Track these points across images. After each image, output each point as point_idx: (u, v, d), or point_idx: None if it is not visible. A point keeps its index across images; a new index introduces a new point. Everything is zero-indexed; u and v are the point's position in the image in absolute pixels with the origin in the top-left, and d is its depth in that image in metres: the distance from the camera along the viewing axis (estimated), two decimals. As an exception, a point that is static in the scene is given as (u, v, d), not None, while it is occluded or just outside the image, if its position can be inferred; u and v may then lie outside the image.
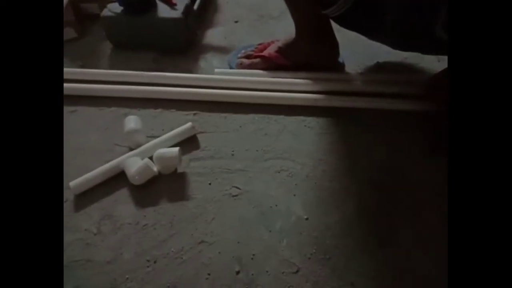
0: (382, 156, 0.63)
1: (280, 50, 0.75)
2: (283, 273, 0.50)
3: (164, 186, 0.60)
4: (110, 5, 0.82)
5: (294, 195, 0.58)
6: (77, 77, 0.77)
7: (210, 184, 0.60)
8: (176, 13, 0.79)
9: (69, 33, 0.88)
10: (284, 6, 0.71)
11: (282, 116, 0.69)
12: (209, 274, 0.50)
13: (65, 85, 0.74)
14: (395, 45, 0.69)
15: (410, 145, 0.64)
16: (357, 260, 0.51)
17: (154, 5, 0.81)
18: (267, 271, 0.50)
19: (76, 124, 0.70)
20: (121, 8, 0.80)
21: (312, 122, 0.69)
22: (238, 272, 0.50)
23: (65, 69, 0.78)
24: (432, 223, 0.54)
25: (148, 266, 0.51)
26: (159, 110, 0.71)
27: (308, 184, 0.59)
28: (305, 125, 0.68)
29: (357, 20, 0.67)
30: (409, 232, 0.53)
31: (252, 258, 0.52)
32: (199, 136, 0.67)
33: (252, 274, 0.50)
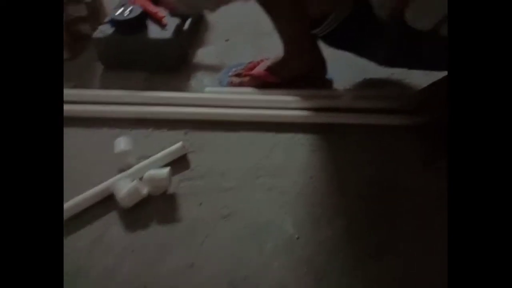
0: (372, 171, 0.63)
1: (269, 68, 0.76)
2: (275, 294, 0.49)
3: (155, 207, 0.59)
4: (101, 26, 0.83)
5: (286, 213, 0.58)
6: (68, 98, 0.77)
7: (200, 204, 0.60)
8: (167, 33, 0.81)
9: (61, 54, 0.88)
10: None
11: (272, 134, 0.70)
12: (200, 298, 0.49)
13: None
14: (382, 61, 0.70)
15: (400, 159, 0.64)
16: (348, 277, 0.50)
17: (145, 26, 0.82)
18: (258, 293, 0.50)
19: (67, 146, 0.69)
20: (113, 29, 0.81)
21: (303, 138, 0.69)
22: (229, 295, 0.50)
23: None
24: (423, 237, 0.54)
25: (138, 291, 0.51)
26: (150, 129, 0.72)
27: (300, 201, 0.59)
28: (295, 142, 0.69)
29: (344, 39, 0.68)
30: (400, 247, 0.53)
31: (244, 279, 0.51)
32: (190, 155, 0.67)
33: (244, 297, 0.49)
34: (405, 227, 0.55)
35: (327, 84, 0.78)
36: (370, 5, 0.59)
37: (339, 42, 0.70)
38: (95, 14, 0.93)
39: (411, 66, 0.72)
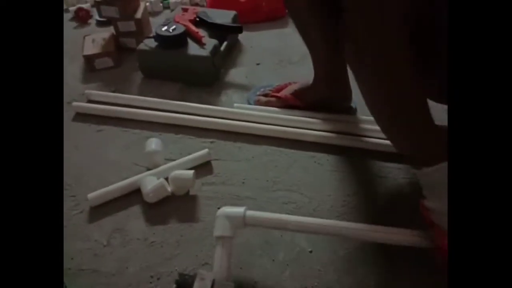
0: (388, 194, 0.64)
1: (295, 93, 0.80)
2: (283, 302, 0.50)
3: (176, 206, 0.62)
4: (146, 40, 0.91)
5: (300, 227, 0.59)
6: (107, 100, 0.84)
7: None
8: (205, 52, 0.87)
9: (107, 62, 0.97)
10: (303, 53, 0.77)
11: (293, 151, 0.73)
12: (209, 296, 0.50)
13: (95, 106, 0.81)
14: None
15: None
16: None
17: (186, 43, 0.90)
18: (267, 299, 0.50)
19: (101, 141, 0.75)
20: (156, 43, 0.89)
21: (322, 159, 0.71)
22: (238, 297, 0.50)
23: (97, 92, 0.86)
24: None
25: (151, 282, 0.52)
26: (179, 135, 0.76)
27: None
28: (315, 161, 0.71)
29: None
30: (413, 272, 0.53)
31: (253, 286, 0.52)
32: (214, 163, 0.70)
33: (252, 301, 0.50)
34: (416, 258, 0.55)
35: (351, 111, 0.81)
36: None
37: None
38: (142, 30, 1.02)
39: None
